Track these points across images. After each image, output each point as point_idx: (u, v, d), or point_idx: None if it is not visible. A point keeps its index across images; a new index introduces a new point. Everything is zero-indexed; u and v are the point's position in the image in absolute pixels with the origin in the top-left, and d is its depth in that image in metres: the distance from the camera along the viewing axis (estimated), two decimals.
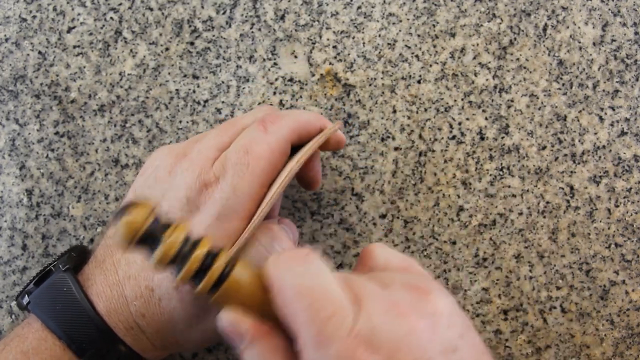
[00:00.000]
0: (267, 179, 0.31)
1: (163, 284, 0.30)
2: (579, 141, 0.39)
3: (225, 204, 0.30)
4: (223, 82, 0.39)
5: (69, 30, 0.40)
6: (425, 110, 0.39)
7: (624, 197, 0.38)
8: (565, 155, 0.39)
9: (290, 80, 0.39)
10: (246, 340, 0.25)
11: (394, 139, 0.39)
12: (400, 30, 0.39)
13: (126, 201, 0.27)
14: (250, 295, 0.26)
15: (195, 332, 0.31)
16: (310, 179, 0.35)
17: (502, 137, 0.39)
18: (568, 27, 0.39)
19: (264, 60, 0.40)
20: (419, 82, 0.39)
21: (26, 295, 0.31)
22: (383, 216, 0.39)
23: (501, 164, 0.39)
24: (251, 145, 0.31)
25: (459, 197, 0.39)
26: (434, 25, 0.39)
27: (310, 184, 0.36)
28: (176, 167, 0.32)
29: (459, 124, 0.39)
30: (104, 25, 0.40)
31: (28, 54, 0.40)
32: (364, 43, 0.39)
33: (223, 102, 0.39)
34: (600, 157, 0.39)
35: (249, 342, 0.25)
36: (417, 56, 0.39)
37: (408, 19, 0.39)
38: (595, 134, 0.39)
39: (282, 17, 0.40)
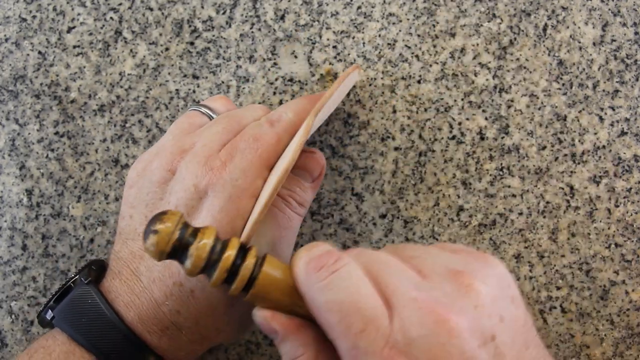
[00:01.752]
0: (271, 164, 0.32)
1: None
2: (579, 141, 0.39)
3: (235, 184, 0.30)
4: (223, 82, 0.39)
5: (69, 30, 0.40)
6: (425, 110, 0.39)
7: (624, 197, 0.38)
8: (565, 155, 0.39)
9: (290, 80, 0.39)
10: (279, 336, 0.26)
11: (394, 139, 0.39)
12: (400, 30, 0.39)
13: (152, 216, 0.27)
14: (282, 289, 0.26)
15: (235, 311, 0.31)
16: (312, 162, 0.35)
17: (502, 137, 0.39)
18: (568, 27, 0.39)
19: (264, 60, 0.40)
20: (419, 82, 0.39)
21: (49, 311, 0.31)
22: (383, 216, 0.39)
23: (501, 164, 0.39)
24: (260, 135, 0.32)
25: (459, 197, 0.39)
26: (434, 25, 0.39)
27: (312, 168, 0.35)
28: (179, 163, 0.32)
29: (459, 124, 0.39)
30: (104, 25, 0.40)
31: (28, 54, 0.40)
32: (364, 43, 0.39)
33: None
34: (600, 157, 0.39)
35: (282, 338, 0.26)
36: (417, 56, 0.39)
37: (408, 19, 0.39)
38: (595, 134, 0.39)
39: (282, 17, 0.40)
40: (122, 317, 0.30)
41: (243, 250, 0.27)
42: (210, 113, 0.35)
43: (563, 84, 0.39)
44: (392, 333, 0.24)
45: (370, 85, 0.39)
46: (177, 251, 0.26)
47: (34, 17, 0.40)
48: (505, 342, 0.24)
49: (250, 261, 0.26)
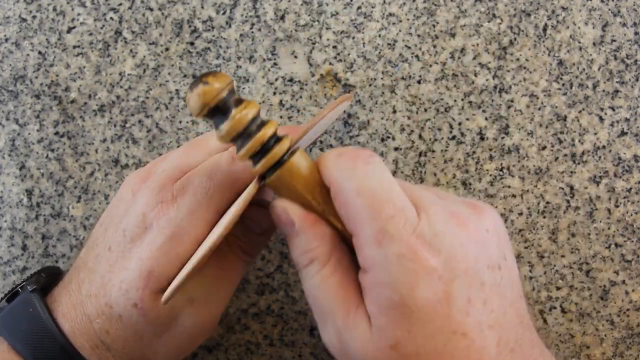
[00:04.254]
0: (226, 206, 0.30)
1: (120, 302, 0.30)
2: (579, 141, 0.39)
3: (180, 224, 0.29)
4: None
5: (69, 30, 0.40)
6: (425, 110, 0.39)
7: (624, 197, 0.38)
8: (565, 155, 0.39)
9: (290, 80, 0.39)
10: (295, 227, 0.27)
11: (394, 139, 0.39)
12: (400, 30, 0.39)
13: (204, 72, 0.27)
14: (305, 185, 0.27)
15: (162, 343, 0.31)
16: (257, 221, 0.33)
17: (502, 137, 0.39)
18: (568, 27, 0.39)
19: (264, 60, 0.40)
20: (419, 82, 0.39)
21: None
22: None
23: (501, 164, 0.39)
24: (215, 172, 0.30)
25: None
26: (434, 25, 0.39)
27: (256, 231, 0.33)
28: (140, 187, 0.31)
29: (459, 124, 0.39)
30: (104, 25, 0.40)
31: (28, 54, 0.40)
32: (364, 43, 0.39)
33: None
34: (600, 157, 0.39)
35: (298, 230, 0.27)
36: (417, 56, 0.39)
37: (408, 19, 0.39)
38: (595, 134, 0.39)
39: (282, 17, 0.40)
40: (60, 328, 0.30)
41: (279, 137, 0.27)
42: None
43: (563, 84, 0.39)
44: (420, 224, 0.25)
45: (370, 85, 0.39)
46: (219, 111, 0.26)
47: (34, 17, 0.40)
48: (505, 280, 0.26)
49: (284, 144, 0.27)
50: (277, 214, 0.27)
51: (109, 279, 0.30)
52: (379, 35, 0.39)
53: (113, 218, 0.32)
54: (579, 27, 0.39)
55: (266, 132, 0.26)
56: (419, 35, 0.39)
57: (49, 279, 0.33)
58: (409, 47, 0.39)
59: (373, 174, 0.26)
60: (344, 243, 0.27)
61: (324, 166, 0.27)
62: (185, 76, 0.40)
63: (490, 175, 0.39)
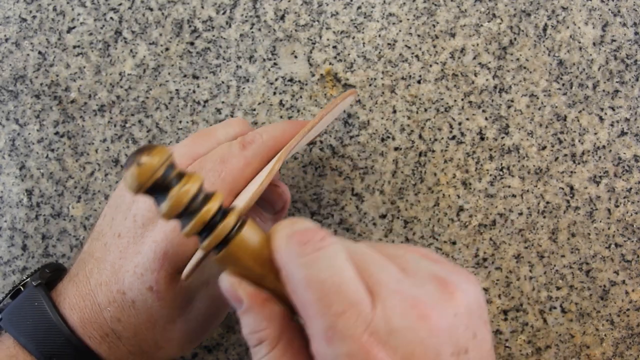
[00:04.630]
0: (237, 190, 0.31)
1: (134, 286, 0.30)
2: (579, 141, 0.39)
3: None
4: (223, 82, 0.39)
5: (69, 30, 0.40)
6: (425, 110, 0.39)
7: (624, 197, 0.38)
8: (565, 155, 0.39)
9: (290, 80, 0.39)
10: (244, 306, 0.25)
11: (394, 139, 0.39)
12: (400, 30, 0.39)
13: (141, 146, 0.26)
14: (255, 259, 0.25)
15: (176, 329, 0.31)
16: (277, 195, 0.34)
17: (502, 137, 0.39)
18: (568, 27, 0.39)
19: (264, 60, 0.40)
20: (419, 82, 0.39)
21: None
22: (383, 216, 0.39)
23: (501, 164, 0.39)
24: (228, 157, 0.31)
25: (459, 197, 0.39)
26: (434, 25, 0.39)
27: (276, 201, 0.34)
28: None
29: (459, 124, 0.39)
30: (104, 25, 0.40)
31: (28, 54, 0.40)
32: (364, 43, 0.39)
33: (223, 102, 0.39)
34: (600, 157, 0.39)
35: (246, 309, 0.25)
36: (417, 56, 0.39)
37: (408, 19, 0.39)
38: (595, 134, 0.39)
39: (282, 17, 0.40)
40: (66, 320, 0.30)
41: (224, 209, 0.25)
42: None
43: (563, 84, 0.39)
44: (374, 320, 0.23)
45: (370, 85, 0.39)
46: (157, 190, 0.24)
47: (34, 17, 0.40)
48: (478, 356, 0.24)
49: (230, 220, 0.25)
50: (225, 289, 0.26)
51: (121, 265, 0.30)
52: (379, 35, 0.39)
53: (120, 206, 0.32)
54: (579, 27, 0.39)
55: (210, 208, 0.24)
56: (419, 35, 0.39)
57: (53, 275, 0.33)
58: (409, 47, 0.39)
59: (322, 263, 0.23)
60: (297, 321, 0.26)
61: (274, 247, 0.25)
62: (185, 76, 0.40)
63: (490, 175, 0.39)
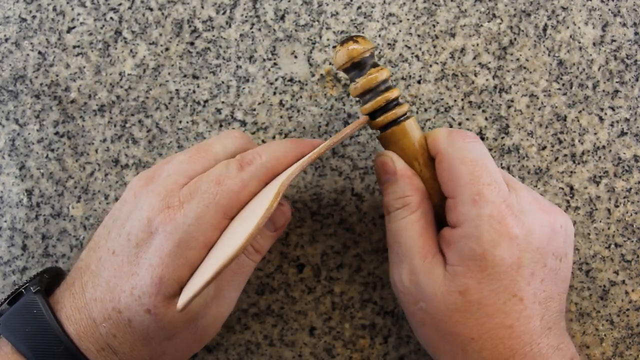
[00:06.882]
0: (231, 213, 0.30)
1: (132, 307, 0.30)
2: (579, 141, 0.39)
3: (187, 230, 0.29)
4: (223, 82, 0.39)
5: (69, 30, 0.40)
6: (425, 110, 0.39)
7: (624, 197, 0.38)
8: (565, 155, 0.39)
9: (290, 80, 0.39)
10: (396, 176, 0.32)
11: None
12: (400, 30, 0.39)
13: (353, 34, 0.36)
14: (411, 146, 0.32)
15: (171, 345, 0.31)
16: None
17: (502, 137, 0.39)
18: (568, 27, 0.39)
19: (264, 60, 0.40)
20: (419, 82, 0.39)
21: None
22: (383, 216, 0.39)
23: (501, 164, 0.39)
24: (224, 178, 0.30)
25: None
26: (434, 25, 0.39)
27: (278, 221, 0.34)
28: (143, 190, 0.31)
29: (459, 124, 0.39)
30: (104, 25, 0.40)
31: (28, 54, 0.40)
32: None
33: (223, 102, 0.39)
34: (600, 157, 0.39)
35: (397, 179, 0.32)
36: (417, 56, 0.39)
37: (408, 19, 0.39)
38: (595, 134, 0.39)
39: (282, 17, 0.40)
40: (65, 330, 0.30)
41: (401, 102, 0.33)
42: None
43: (563, 84, 0.39)
44: (510, 198, 0.30)
45: None
46: (358, 66, 0.32)
47: (34, 17, 0.40)
48: (561, 272, 0.31)
49: (403, 107, 0.32)
50: (383, 161, 0.32)
51: (116, 284, 0.30)
52: (379, 35, 0.39)
53: (116, 221, 0.32)
54: (579, 27, 0.39)
55: (391, 94, 0.32)
56: (419, 36, 0.39)
57: (51, 280, 0.33)
58: (409, 47, 0.39)
59: (475, 149, 0.31)
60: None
61: (434, 137, 0.32)
62: (185, 76, 0.40)
63: None
